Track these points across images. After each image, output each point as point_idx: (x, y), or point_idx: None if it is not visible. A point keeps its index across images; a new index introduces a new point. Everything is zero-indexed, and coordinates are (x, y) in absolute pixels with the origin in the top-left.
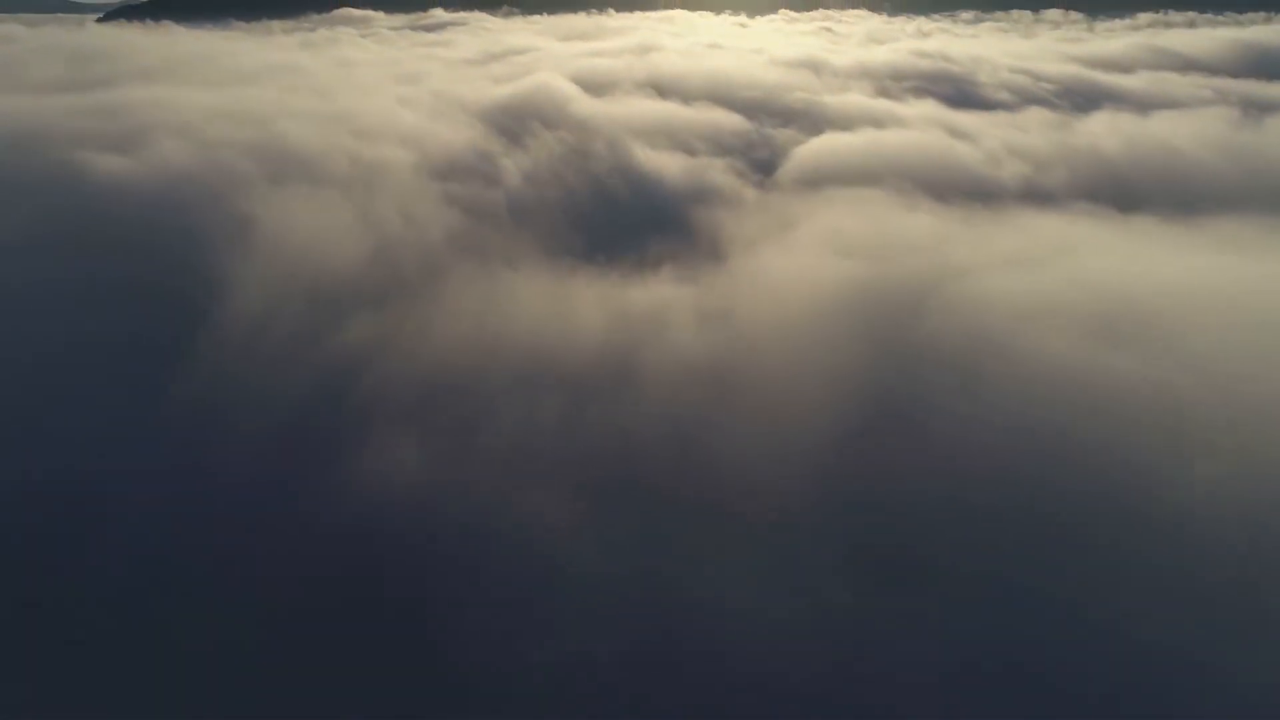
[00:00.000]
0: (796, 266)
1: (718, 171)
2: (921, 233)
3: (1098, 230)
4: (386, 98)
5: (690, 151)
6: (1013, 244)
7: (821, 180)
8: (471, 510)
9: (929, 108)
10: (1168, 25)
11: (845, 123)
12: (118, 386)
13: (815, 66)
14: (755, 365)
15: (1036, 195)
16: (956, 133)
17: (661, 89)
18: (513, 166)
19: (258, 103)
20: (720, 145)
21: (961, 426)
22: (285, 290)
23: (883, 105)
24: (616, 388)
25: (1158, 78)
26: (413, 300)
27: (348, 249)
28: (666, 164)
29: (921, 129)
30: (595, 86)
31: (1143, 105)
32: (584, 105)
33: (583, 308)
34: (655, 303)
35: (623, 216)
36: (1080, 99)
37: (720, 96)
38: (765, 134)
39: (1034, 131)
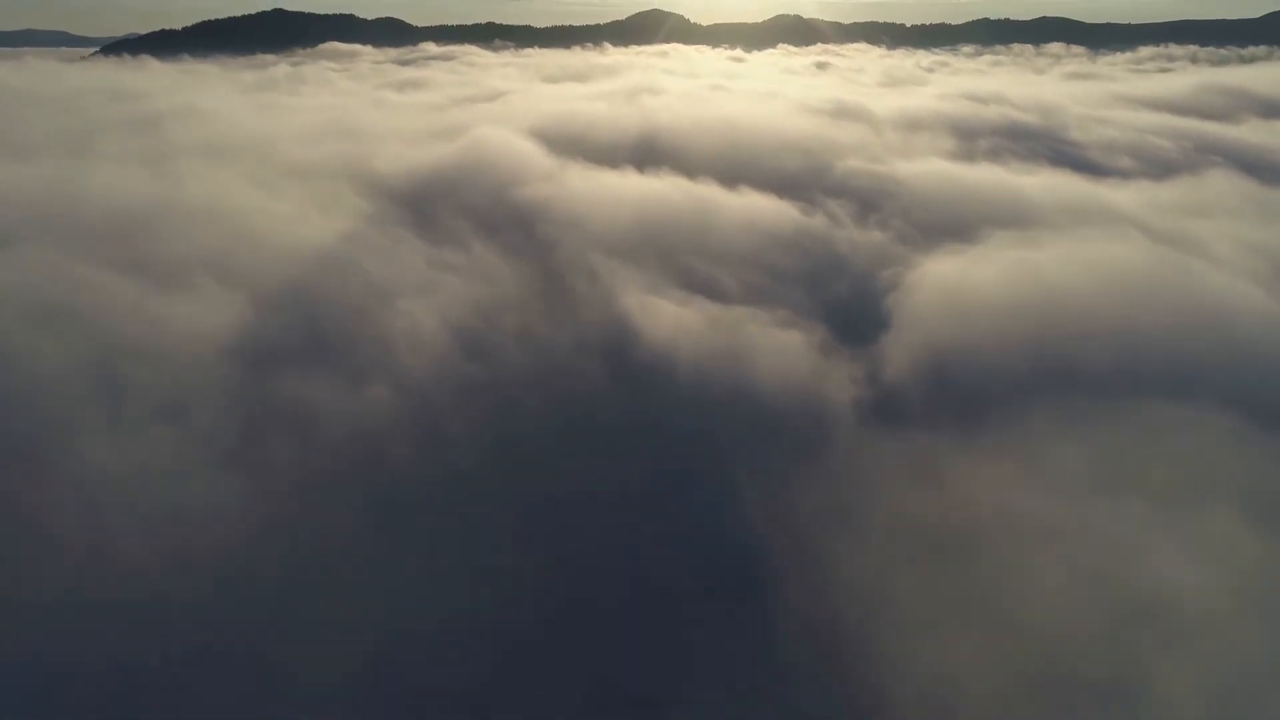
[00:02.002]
0: None
1: (773, 346)
2: None
3: None
4: (261, 170)
5: (713, 289)
6: None
7: (1005, 383)
8: None
9: (1055, 179)
10: (1170, 59)
11: (950, 211)
12: None
13: (853, 115)
14: None
15: None
16: (1155, 234)
17: (661, 151)
18: (387, 343)
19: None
20: (765, 270)
21: None
22: None
23: (987, 176)
24: None
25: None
26: None
27: None
28: (674, 329)
29: (1091, 228)
30: (569, 145)
31: None
32: (542, 188)
33: None
34: None
35: (589, 537)
36: (1223, 158)
37: (745, 165)
38: (836, 243)
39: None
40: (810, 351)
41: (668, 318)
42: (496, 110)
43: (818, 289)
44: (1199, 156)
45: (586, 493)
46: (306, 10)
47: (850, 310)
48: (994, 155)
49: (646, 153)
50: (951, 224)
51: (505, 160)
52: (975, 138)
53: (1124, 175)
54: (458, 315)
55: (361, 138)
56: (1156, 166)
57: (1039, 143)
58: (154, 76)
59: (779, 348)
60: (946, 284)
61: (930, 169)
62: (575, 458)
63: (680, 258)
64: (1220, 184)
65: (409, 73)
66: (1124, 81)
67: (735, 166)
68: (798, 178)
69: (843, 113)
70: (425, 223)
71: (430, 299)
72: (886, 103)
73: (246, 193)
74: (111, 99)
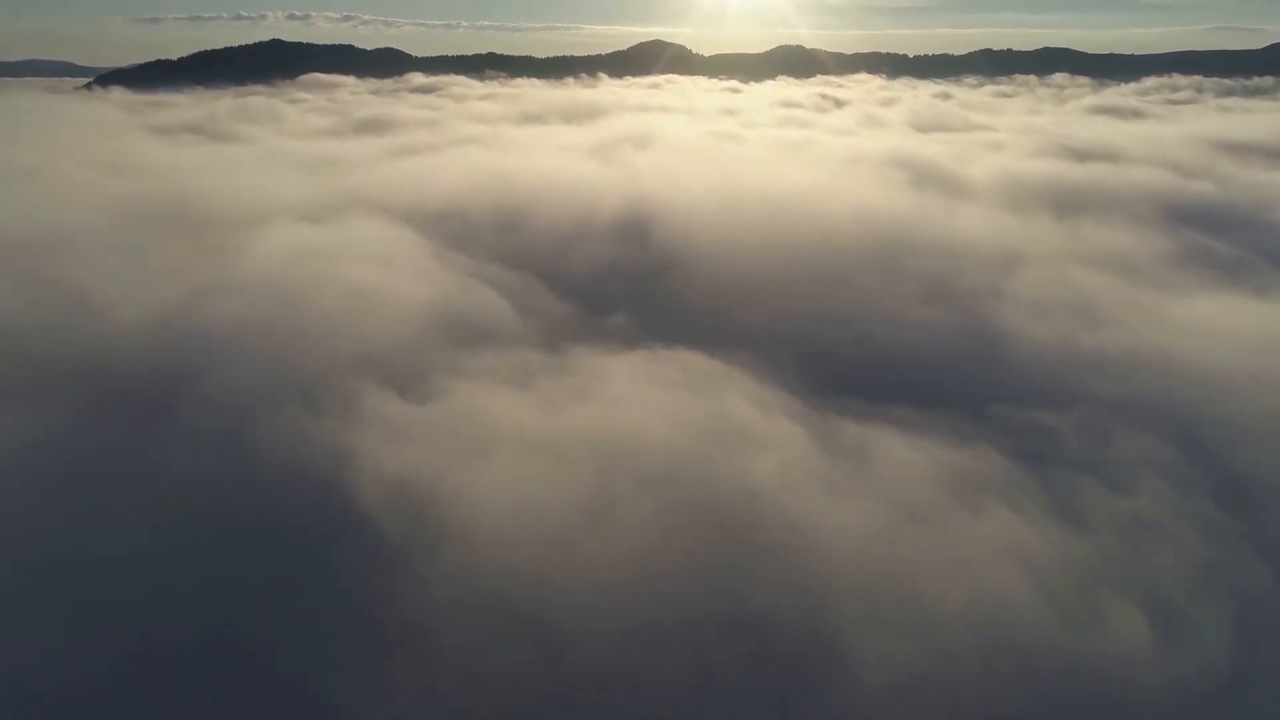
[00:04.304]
0: None
1: None
2: None
3: None
4: None
5: None
6: None
7: None
8: None
9: None
10: (1175, 89)
11: None
12: None
13: (945, 185)
14: None
15: None
16: None
17: (647, 264)
18: None
19: None
20: None
21: None
22: None
23: None
24: None
25: None
26: None
27: None
28: None
29: None
30: (489, 249)
31: None
32: (346, 431)
33: None
34: None
35: None
36: None
37: (821, 330)
38: None
39: None
40: None
41: None
42: (415, 170)
43: None
44: None
45: None
46: (306, 41)
47: None
48: (1239, 269)
49: (623, 270)
50: None
51: (315, 315)
52: (1170, 227)
53: None
54: None
55: (163, 231)
56: None
57: (1257, 234)
58: (85, 111)
59: None
60: None
61: (1217, 325)
62: None
63: None
64: None
65: (377, 107)
66: (1179, 120)
67: (802, 333)
68: (949, 381)
69: (926, 179)
70: None
71: None
72: (981, 165)
73: None
74: None
